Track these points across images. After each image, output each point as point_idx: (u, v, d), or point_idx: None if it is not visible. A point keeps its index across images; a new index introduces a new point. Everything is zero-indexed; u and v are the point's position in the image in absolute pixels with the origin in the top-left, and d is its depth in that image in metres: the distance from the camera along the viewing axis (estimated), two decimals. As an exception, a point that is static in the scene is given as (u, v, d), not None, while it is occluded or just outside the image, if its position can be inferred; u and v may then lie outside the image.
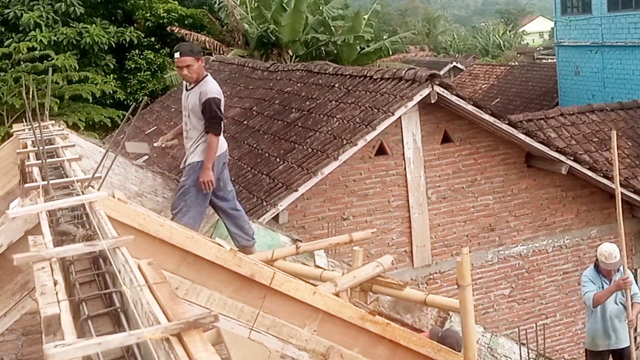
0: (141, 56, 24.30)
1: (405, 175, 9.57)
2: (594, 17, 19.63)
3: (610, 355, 7.14)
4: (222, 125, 5.67)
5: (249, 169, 10.14)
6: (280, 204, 8.56)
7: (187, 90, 5.76)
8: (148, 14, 25.27)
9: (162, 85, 23.80)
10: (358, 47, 24.81)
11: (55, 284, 1.93)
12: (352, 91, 10.43)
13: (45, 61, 19.67)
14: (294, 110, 11.27)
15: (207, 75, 5.69)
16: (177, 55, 5.58)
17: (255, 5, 24.58)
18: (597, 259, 6.99)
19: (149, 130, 15.84)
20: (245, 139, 11.42)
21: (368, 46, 25.45)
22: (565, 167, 9.91)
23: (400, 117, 9.23)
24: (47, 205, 2.73)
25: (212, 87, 5.59)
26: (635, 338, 7.08)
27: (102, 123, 20.16)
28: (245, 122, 12.23)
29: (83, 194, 2.89)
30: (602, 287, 6.85)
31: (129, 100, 22.86)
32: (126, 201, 3.15)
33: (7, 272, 2.97)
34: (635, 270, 11.22)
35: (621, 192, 10.39)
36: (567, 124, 13.38)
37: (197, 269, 3.03)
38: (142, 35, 24.64)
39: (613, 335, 6.92)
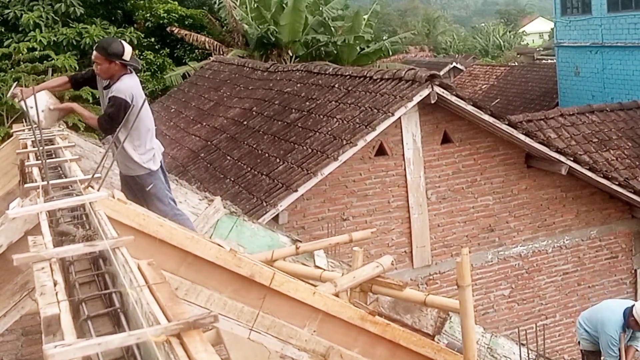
0: (141, 56, 24.28)
1: (405, 175, 9.57)
2: (594, 18, 19.63)
3: None
4: (113, 128, 4.97)
5: (249, 169, 10.14)
6: (280, 205, 8.56)
7: (103, 88, 5.30)
8: (148, 15, 25.27)
9: (162, 85, 23.80)
10: (358, 48, 24.81)
11: (55, 284, 1.93)
12: (352, 92, 10.43)
13: (45, 61, 19.66)
14: (293, 110, 11.27)
15: (124, 74, 5.10)
16: (94, 52, 5.15)
17: (255, 5, 24.57)
18: (631, 317, 6.75)
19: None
20: (245, 139, 11.42)
21: (368, 47, 25.45)
22: (565, 168, 9.91)
23: (400, 117, 9.23)
24: (46, 205, 2.73)
25: (122, 86, 5.01)
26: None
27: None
28: (245, 123, 12.23)
29: (83, 194, 2.89)
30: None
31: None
32: (126, 201, 3.15)
33: (7, 273, 2.97)
34: (635, 270, 11.22)
35: (621, 193, 10.45)
36: (567, 125, 13.39)
37: (196, 269, 3.03)
38: (142, 35, 24.64)
39: None
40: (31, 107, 4.35)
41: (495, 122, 9.47)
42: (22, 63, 19.61)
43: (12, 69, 19.60)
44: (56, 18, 22.93)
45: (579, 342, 7.44)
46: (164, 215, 4.95)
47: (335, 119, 9.87)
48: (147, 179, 5.23)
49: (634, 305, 6.81)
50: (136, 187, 5.24)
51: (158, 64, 24.48)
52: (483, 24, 70.29)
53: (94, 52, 5.13)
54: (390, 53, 26.37)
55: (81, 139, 7.00)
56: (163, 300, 1.77)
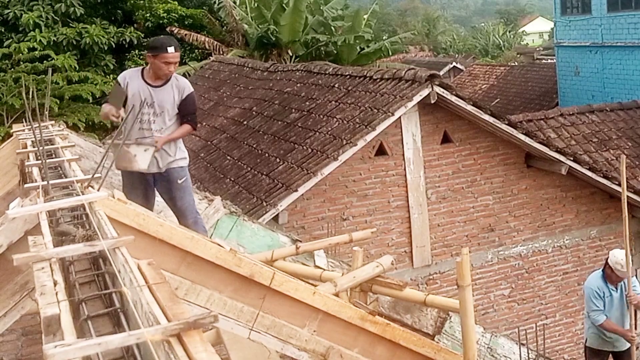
0: (141, 56, 24.30)
1: (405, 175, 9.57)
2: (594, 18, 19.64)
3: (611, 355, 7.15)
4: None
5: (249, 169, 10.14)
6: (280, 205, 8.56)
7: (151, 87, 5.10)
8: (148, 14, 25.27)
9: (162, 85, 23.77)
10: (358, 48, 24.80)
11: (55, 284, 1.93)
12: (352, 91, 10.43)
13: (45, 61, 19.67)
14: (293, 110, 11.27)
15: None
16: (171, 50, 4.94)
17: (255, 5, 24.57)
18: (607, 266, 6.80)
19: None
20: (245, 139, 11.42)
21: (368, 46, 25.44)
22: (565, 168, 9.91)
23: (400, 117, 9.23)
24: (46, 205, 2.73)
25: (184, 80, 5.29)
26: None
27: (101, 123, 20.15)
28: (245, 123, 12.23)
29: (83, 194, 2.89)
30: (611, 296, 6.81)
31: (128, 101, 22.81)
32: (126, 201, 3.15)
33: (7, 273, 2.97)
34: (636, 270, 11.22)
35: (621, 193, 10.44)
36: (567, 124, 13.39)
37: (196, 269, 3.03)
38: (142, 35, 24.63)
39: (620, 339, 6.93)
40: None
41: (495, 122, 9.47)
42: (22, 63, 19.64)
43: (12, 69, 19.62)
44: (56, 18, 22.93)
45: (586, 340, 7.40)
46: (194, 208, 5.30)
47: (335, 119, 9.87)
48: (185, 171, 5.37)
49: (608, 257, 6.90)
50: (169, 180, 5.24)
51: (158, 64, 24.45)
52: (483, 24, 70.26)
53: (175, 52, 5.01)
54: (390, 53, 26.35)
55: (81, 139, 7.01)
56: (163, 300, 1.77)
